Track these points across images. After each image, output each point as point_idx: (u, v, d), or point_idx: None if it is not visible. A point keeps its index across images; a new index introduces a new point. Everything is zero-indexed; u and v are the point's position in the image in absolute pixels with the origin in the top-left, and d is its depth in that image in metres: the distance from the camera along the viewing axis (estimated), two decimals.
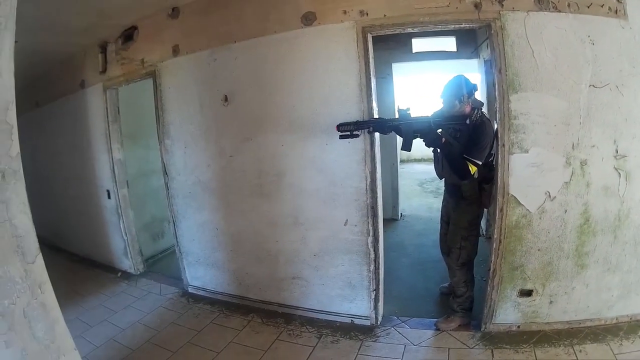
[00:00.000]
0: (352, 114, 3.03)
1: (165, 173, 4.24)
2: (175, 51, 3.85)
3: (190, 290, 4.48)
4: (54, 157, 6.14)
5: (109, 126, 4.73)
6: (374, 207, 3.15)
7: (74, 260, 6.17)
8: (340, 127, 2.85)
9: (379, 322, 3.37)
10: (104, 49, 4.49)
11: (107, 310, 4.33)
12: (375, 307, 3.34)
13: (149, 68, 4.08)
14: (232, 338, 3.49)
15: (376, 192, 3.13)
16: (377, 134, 3.07)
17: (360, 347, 3.11)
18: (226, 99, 3.57)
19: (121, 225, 5.04)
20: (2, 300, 1.14)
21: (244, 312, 3.89)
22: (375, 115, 3.07)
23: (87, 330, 3.93)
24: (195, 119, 3.85)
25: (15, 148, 1.13)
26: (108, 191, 5.02)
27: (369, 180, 3.12)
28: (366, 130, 2.94)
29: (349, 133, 2.83)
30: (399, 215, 6.00)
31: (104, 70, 4.55)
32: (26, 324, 1.22)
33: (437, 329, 3.18)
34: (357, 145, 3.08)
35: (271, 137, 3.43)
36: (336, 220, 3.28)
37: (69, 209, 6.14)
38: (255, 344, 3.36)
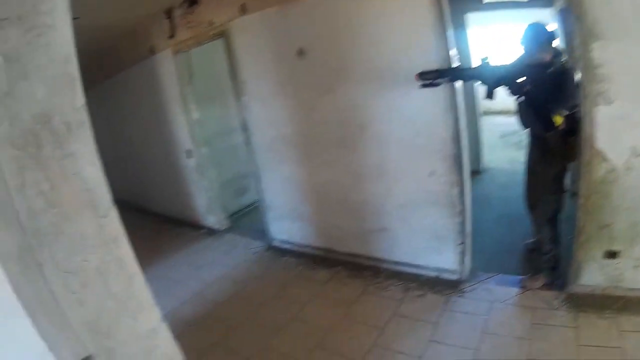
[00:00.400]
0: (431, 64, 2.87)
1: (246, 128, 4.29)
2: (243, 10, 3.78)
3: (275, 244, 4.59)
4: (133, 124, 6.37)
5: (183, 88, 4.81)
6: (459, 158, 3.04)
7: (160, 220, 6.52)
8: (420, 75, 2.71)
9: (465, 277, 3.28)
10: (169, 15, 4.49)
11: (193, 267, 4.57)
12: (462, 262, 3.26)
13: (218, 28, 4.05)
14: (318, 290, 3.54)
15: (460, 143, 3.01)
16: (458, 83, 2.94)
17: (446, 302, 3.08)
18: (301, 53, 3.51)
19: (203, 183, 5.23)
20: (74, 256, 1.08)
21: (330, 265, 3.91)
22: (455, 65, 2.93)
23: (174, 286, 4.16)
24: (271, 74, 3.83)
25: (80, 99, 1.06)
26: (189, 151, 5.17)
27: (452, 130, 3.00)
28: (447, 79, 2.79)
29: (429, 82, 2.70)
30: (482, 168, 5.88)
31: (172, 35, 4.57)
32: (101, 281, 1.15)
33: (522, 287, 3.08)
34: (439, 94, 2.94)
35: (351, 89, 3.35)
36: (421, 171, 3.20)
37: (151, 171, 6.41)
38: (341, 297, 3.38)
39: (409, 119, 3.15)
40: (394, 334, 2.85)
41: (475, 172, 5.55)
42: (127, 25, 4.92)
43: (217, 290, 3.91)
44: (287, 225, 4.42)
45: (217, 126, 5.52)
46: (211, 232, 5.44)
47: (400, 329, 2.90)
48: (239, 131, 4.48)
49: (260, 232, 4.82)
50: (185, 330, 3.34)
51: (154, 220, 6.61)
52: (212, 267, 4.43)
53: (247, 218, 5.73)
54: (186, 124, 5.01)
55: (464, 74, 2.77)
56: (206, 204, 5.39)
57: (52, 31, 1.00)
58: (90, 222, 1.11)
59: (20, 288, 0.91)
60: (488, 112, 10.54)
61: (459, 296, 3.12)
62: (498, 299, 2.99)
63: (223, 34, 4.04)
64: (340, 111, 3.49)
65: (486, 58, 2.64)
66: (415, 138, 3.16)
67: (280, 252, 4.45)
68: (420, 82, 2.73)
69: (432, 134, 3.07)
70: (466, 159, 3.10)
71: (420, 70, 2.73)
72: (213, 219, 5.41)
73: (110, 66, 6.09)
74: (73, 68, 1.05)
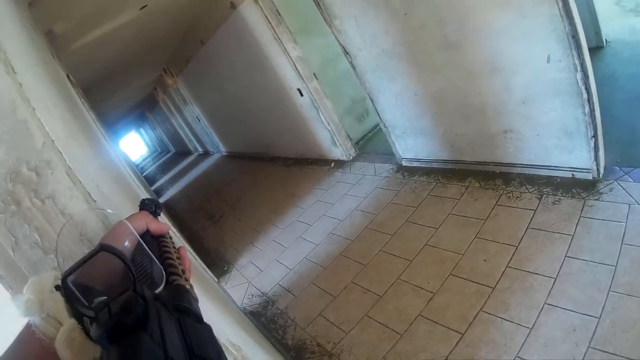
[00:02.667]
0: None
1: (347, 53, 4.05)
2: None
3: (404, 163, 4.39)
4: (237, 80, 6.53)
5: (275, 30, 4.68)
6: (575, 36, 2.41)
7: (289, 164, 6.72)
8: None
9: (601, 175, 2.84)
10: None
11: (324, 205, 4.59)
12: (596, 157, 2.77)
13: None
14: (450, 209, 3.34)
15: (573, 17, 2.37)
16: None
17: (582, 207, 2.69)
18: None
19: (321, 117, 5.12)
20: None
21: (461, 177, 3.67)
22: None
23: (308, 230, 4.26)
24: None
25: (38, 139, 1.02)
26: (299, 90, 5.07)
27: (560, 2, 2.35)
28: None
29: None
30: (604, 42, 4.71)
31: None
32: None
33: None
34: None
35: None
36: (537, 59, 2.65)
37: (269, 120, 6.56)
38: (474, 212, 3.16)
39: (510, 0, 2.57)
40: (528, 252, 2.59)
41: (595, 49, 4.55)
42: None
43: (349, 226, 3.90)
44: (411, 143, 4.18)
45: (321, 57, 5.28)
46: (339, 164, 5.40)
47: (534, 244, 2.62)
48: (344, 56, 4.18)
49: (388, 154, 4.67)
50: (320, 274, 3.42)
51: (284, 165, 6.85)
52: (342, 202, 4.42)
53: (373, 142, 5.55)
54: (288, 64, 4.90)
55: None
56: (329, 137, 5.32)
57: None
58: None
59: None
60: None
61: (596, 199, 2.71)
62: (636, 200, 2.54)
63: None
64: (435, 8, 3.01)
65: None
66: (519, 20, 2.58)
67: (410, 171, 4.26)
68: None
69: (538, 12, 2.47)
70: (582, 36, 2.45)
71: None
72: (339, 151, 5.35)
73: (201, 35, 6.29)
74: (23, 111, 1.02)
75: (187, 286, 0.62)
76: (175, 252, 0.70)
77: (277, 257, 4.07)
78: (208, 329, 0.52)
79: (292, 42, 4.77)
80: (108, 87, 7.26)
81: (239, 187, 7.38)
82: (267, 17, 4.61)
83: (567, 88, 2.62)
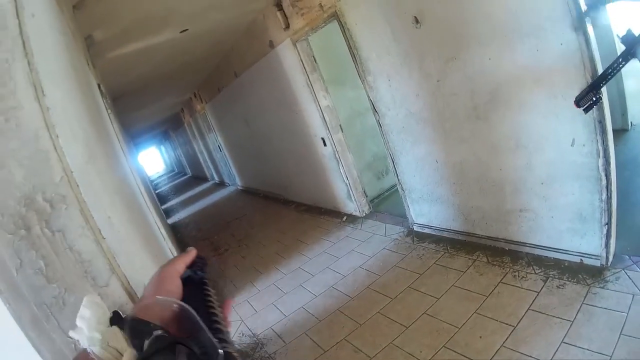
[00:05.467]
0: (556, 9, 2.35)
1: (375, 111, 4.14)
2: None
3: (415, 228, 4.38)
4: (264, 118, 6.69)
5: (308, 76, 4.82)
6: (601, 121, 2.45)
7: (302, 210, 6.75)
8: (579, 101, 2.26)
9: (609, 263, 2.80)
10: (279, 6, 4.56)
11: (330, 257, 4.57)
12: (607, 245, 2.74)
13: (329, 10, 3.93)
14: (454, 281, 3.30)
15: (602, 102, 2.38)
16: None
17: (586, 294, 2.65)
18: (417, 21, 3.18)
19: (341, 170, 5.18)
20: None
21: (470, 250, 3.64)
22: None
23: (309, 280, 4.23)
24: (391, 48, 3.57)
25: (58, 172, 1.05)
26: (323, 139, 5.17)
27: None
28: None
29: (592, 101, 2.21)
30: (630, 125, 4.73)
31: (287, 26, 4.61)
32: None
33: None
34: (570, 46, 2.38)
35: (475, 52, 2.92)
36: (561, 139, 2.69)
37: (289, 162, 6.66)
38: (477, 287, 3.12)
39: (541, 78, 2.63)
40: (526, 333, 2.53)
41: (619, 131, 4.53)
42: (240, 23, 5.19)
43: (351, 283, 3.87)
44: (426, 209, 4.18)
45: (350, 110, 5.43)
46: (351, 218, 5.40)
47: (533, 327, 2.56)
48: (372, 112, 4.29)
49: (401, 217, 4.66)
50: (314, 326, 3.37)
51: (296, 210, 6.89)
52: (349, 258, 4.40)
53: (388, 201, 5.55)
54: (317, 111, 5.02)
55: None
56: (345, 190, 5.36)
57: (18, 111, 1.02)
58: (90, 292, 1.13)
59: (40, 350, 1.01)
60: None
61: (601, 287, 2.67)
62: None
63: (335, 15, 3.89)
64: (468, 79, 3.09)
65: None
66: (549, 99, 2.63)
67: (420, 237, 4.23)
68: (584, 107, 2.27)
69: (569, 94, 2.49)
70: (609, 121, 2.48)
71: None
72: (353, 206, 5.36)
73: (236, 67, 6.54)
74: (45, 142, 1.06)
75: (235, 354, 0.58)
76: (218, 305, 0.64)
77: (274, 301, 4.03)
78: None
79: (324, 90, 4.91)
80: (138, 99, 7.50)
81: (249, 224, 7.41)
82: (302, 62, 4.77)
83: (588, 173, 2.64)
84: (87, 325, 0.51)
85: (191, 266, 0.70)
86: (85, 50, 3.23)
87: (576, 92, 2.37)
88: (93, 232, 1.11)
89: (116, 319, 0.52)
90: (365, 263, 4.11)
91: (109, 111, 3.74)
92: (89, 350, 0.50)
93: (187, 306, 0.54)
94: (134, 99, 7.21)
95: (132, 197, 2.62)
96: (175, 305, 0.55)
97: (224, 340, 0.55)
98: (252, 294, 4.38)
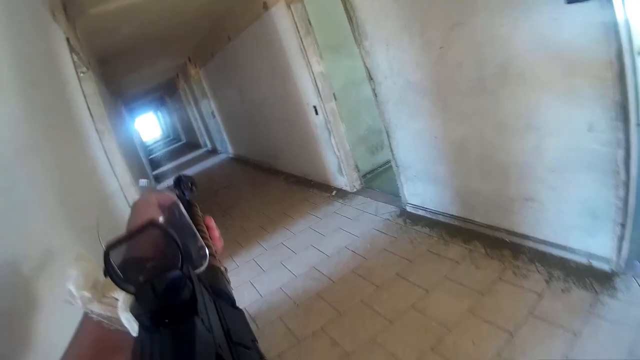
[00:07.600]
0: None
1: (371, 78, 3.77)
2: None
3: (408, 209, 4.08)
4: (257, 84, 6.35)
5: (302, 40, 4.45)
6: (624, 108, 2.09)
7: (291, 181, 6.47)
8: None
9: (620, 268, 2.48)
10: None
11: (315, 235, 4.29)
12: (619, 248, 2.43)
13: None
14: (447, 272, 2.99)
15: (626, 85, 2.05)
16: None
17: (593, 303, 2.34)
18: None
19: (332, 141, 4.85)
20: None
21: (466, 238, 3.33)
22: None
23: (291, 258, 3.97)
24: (391, 10, 3.18)
25: None
26: (315, 107, 4.82)
27: (615, 67, 2.03)
28: None
29: None
30: None
31: None
32: None
33: None
34: (593, 17, 2.01)
35: (485, 17, 2.55)
36: (577, 124, 2.34)
37: (280, 131, 6.34)
38: (472, 283, 2.81)
39: (559, 52, 2.26)
40: (524, 343, 2.23)
41: None
42: None
43: (334, 264, 3.58)
44: (421, 188, 3.87)
45: (345, 79, 5.05)
46: (341, 193, 5.11)
47: (532, 336, 2.26)
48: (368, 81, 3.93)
49: (394, 195, 4.36)
50: (290, 312, 3.10)
51: (285, 181, 6.62)
52: (335, 236, 4.10)
53: (381, 178, 5.24)
54: (309, 78, 4.66)
55: None
56: (336, 163, 5.05)
57: None
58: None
59: None
60: None
61: (610, 296, 2.34)
62: None
63: None
64: (475, 47, 2.71)
65: None
66: (568, 77, 2.27)
67: (413, 219, 3.92)
68: None
69: (589, 73, 2.16)
70: (633, 109, 2.12)
71: None
72: (344, 180, 5.06)
73: (229, 30, 6.21)
74: None
75: (222, 268, 0.62)
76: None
77: (251, 279, 3.76)
78: (242, 314, 0.52)
79: (317, 56, 4.54)
80: (130, 61, 7.18)
81: (236, 193, 7.17)
82: (296, 25, 4.40)
83: (604, 165, 2.30)
84: (75, 285, 0.47)
85: (178, 186, 0.78)
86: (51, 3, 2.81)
87: (595, 70, 2.07)
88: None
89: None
90: (352, 243, 3.82)
91: (82, 70, 3.35)
92: (87, 312, 0.47)
93: (184, 211, 0.55)
94: (126, 61, 6.88)
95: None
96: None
97: (210, 254, 0.53)
98: (230, 269, 4.09)
